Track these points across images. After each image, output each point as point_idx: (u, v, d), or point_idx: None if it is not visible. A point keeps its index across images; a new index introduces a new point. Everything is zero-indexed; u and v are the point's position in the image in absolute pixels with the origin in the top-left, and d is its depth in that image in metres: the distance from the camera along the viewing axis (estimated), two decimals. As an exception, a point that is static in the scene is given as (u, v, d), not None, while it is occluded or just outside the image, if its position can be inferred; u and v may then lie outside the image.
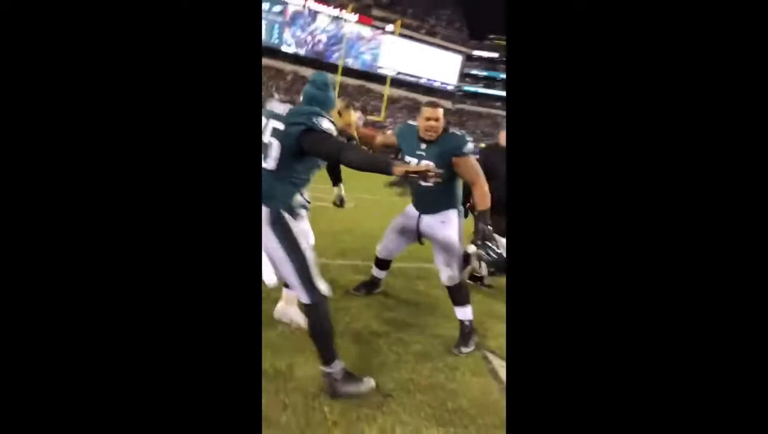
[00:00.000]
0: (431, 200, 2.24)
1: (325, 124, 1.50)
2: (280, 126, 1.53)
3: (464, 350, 2.15)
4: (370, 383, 1.67)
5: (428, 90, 39.67)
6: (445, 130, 2.16)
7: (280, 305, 2.16)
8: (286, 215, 1.53)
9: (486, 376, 1.99)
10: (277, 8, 36.02)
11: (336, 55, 35.36)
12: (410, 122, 2.29)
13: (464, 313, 2.21)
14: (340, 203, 2.57)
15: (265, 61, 36.15)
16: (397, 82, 36.72)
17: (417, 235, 2.33)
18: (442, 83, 41.44)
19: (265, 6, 35.89)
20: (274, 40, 36.53)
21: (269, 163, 1.53)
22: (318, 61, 36.40)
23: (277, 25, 36.45)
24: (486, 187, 2.06)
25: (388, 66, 36.83)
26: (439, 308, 2.72)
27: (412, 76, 39.43)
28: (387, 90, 29.22)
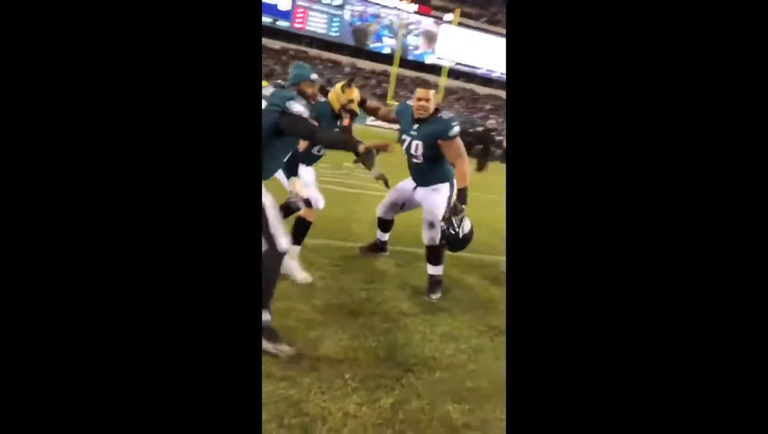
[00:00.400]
0: (425, 175, 2.58)
1: (296, 108, 1.72)
2: (264, 105, 1.74)
3: (433, 296, 2.53)
4: (285, 349, 1.75)
5: (486, 81, 38.51)
6: (437, 110, 2.44)
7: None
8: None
9: (510, 361, 1.99)
10: (338, 2, 36.69)
11: (389, 46, 35.40)
12: (409, 102, 2.54)
13: (435, 270, 2.59)
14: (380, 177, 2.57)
15: (325, 54, 37.07)
16: (454, 73, 36.03)
17: (411, 203, 2.72)
18: (502, 73, 40.01)
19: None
20: (333, 33, 37.29)
21: None
22: (376, 54, 36.64)
23: (336, 18, 37.16)
24: (466, 167, 2.38)
25: (444, 56, 36.23)
26: (475, 296, 2.74)
27: (469, 66, 38.48)
28: (444, 81, 28.83)
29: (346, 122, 2.43)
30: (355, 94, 2.42)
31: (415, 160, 2.53)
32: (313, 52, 37.50)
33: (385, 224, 2.99)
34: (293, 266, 2.44)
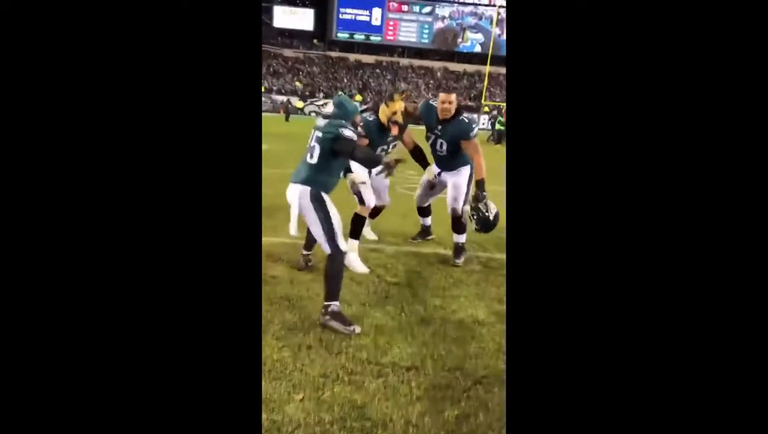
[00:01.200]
0: (449, 163, 3.08)
1: (347, 133, 2.19)
2: (320, 135, 2.24)
3: (458, 261, 3.07)
4: (354, 329, 2.07)
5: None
6: (458, 112, 2.90)
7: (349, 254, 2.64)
8: (323, 195, 2.21)
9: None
10: (426, 9, 37.01)
11: (477, 42, 34.42)
12: (431, 101, 2.99)
13: (459, 238, 3.12)
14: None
15: (417, 61, 37.56)
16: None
17: (440, 185, 3.20)
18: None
19: (415, 9, 37.32)
20: (424, 41, 37.65)
21: (313, 159, 2.25)
22: (473, 54, 36.02)
23: (426, 26, 37.49)
24: (482, 161, 2.82)
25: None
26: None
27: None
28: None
29: (394, 131, 2.77)
30: (398, 106, 2.72)
31: (439, 153, 3.04)
32: (405, 61, 38.30)
33: (423, 211, 3.52)
34: (353, 259, 2.80)
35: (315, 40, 42.77)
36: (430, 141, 3.03)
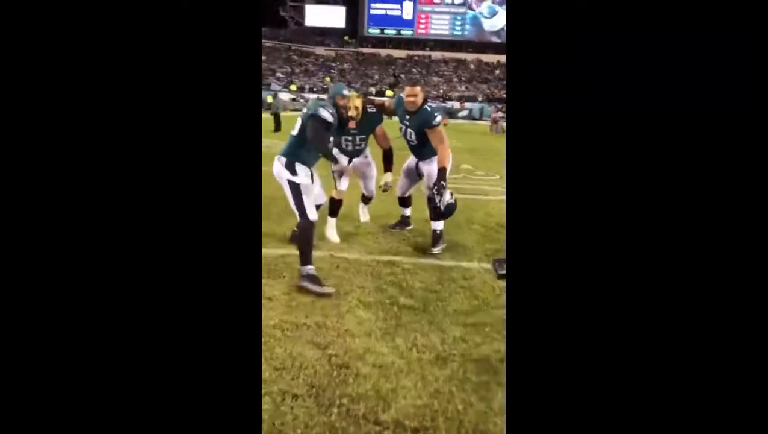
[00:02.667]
0: (422, 151, 3.24)
1: (322, 112, 2.46)
2: (305, 110, 2.58)
3: (435, 250, 3.16)
4: (328, 289, 2.35)
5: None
6: (425, 102, 3.09)
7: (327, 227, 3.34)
8: (297, 165, 2.49)
9: None
10: (459, 0, 36.04)
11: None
12: (401, 95, 3.15)
13: (437, 225, 3.21)
14: (384, 187, 3.29)
15: (450, 54, 36.70)
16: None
17: (417, 174, 3.37)
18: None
19: (447, 0, 36.45)
20: (456, 32, 36.71)
21: (294, 132, 2.55)
22: (498, 45, 34.81)
23: (459, 18, 36.53)
24: (447, 151, 3.03)
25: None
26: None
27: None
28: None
29: (351, 124, 3.01)
30: (355, 102, 2.96)
31: (411, 143, 3.24)
32: (437, 54, 37.52)
33: (404, 201, 3.67)
34: (328, 230, 3.37)
35: (346, 37, 42.82)
36: (402, 131, 3.24)
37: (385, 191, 3.30)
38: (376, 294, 2.42)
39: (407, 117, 3.14)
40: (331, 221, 3.42)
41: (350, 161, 3.29)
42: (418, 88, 3.07)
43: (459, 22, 36.50)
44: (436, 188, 2.94)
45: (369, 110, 3.13)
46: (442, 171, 2.95)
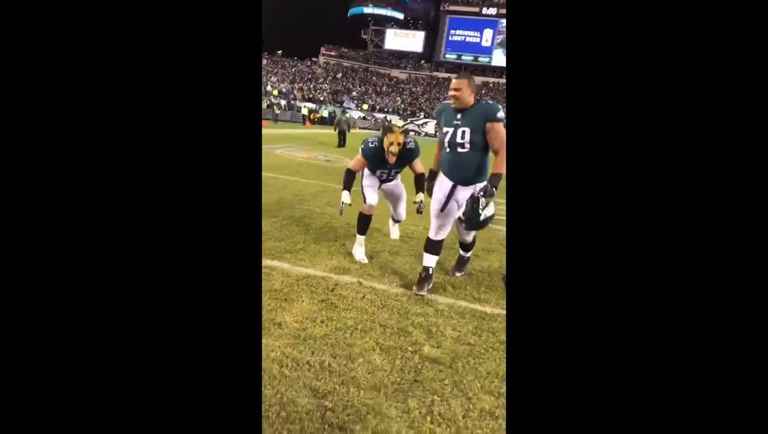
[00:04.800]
0: (470, 171, 2.59)
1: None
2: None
3: (458, 275, 3.05)
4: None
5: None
6: (478, 101, 2.55)
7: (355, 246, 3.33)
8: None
9: None
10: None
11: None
12: (445, 101, 2.71)
13: (466, 249, 3.05)
14: (419, 208, 3.11)
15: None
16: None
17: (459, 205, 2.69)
18: None
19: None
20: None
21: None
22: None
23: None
24: (504, 156, 2.40)
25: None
26: None
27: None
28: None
29: (391, 159, 3.00)
30: (396, 138, 2.96)
31: (461, 149, 2.54)
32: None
33: (437, 248, 2.81)
34: (358, 254, 3.22)
35: (422, 61, 43.55)
36: (448, 136, 2.58)
37: (419, 211, 3.08)
38: (398, 338, 2.09)
39: (457, 117, 2.54)
40: (360, 239, 3.23)
41: (380, 186, 3.28)
42: (464, 81, 2.50)
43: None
44: (483, 192, 2.39)
45: (408, 145, 3.02)
46: (495, 177, 2.37)
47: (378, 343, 2.01)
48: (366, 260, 3.14)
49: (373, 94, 37.99)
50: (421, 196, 3.10)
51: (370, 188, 3.19)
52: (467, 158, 2.53)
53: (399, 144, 2.94)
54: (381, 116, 32.34)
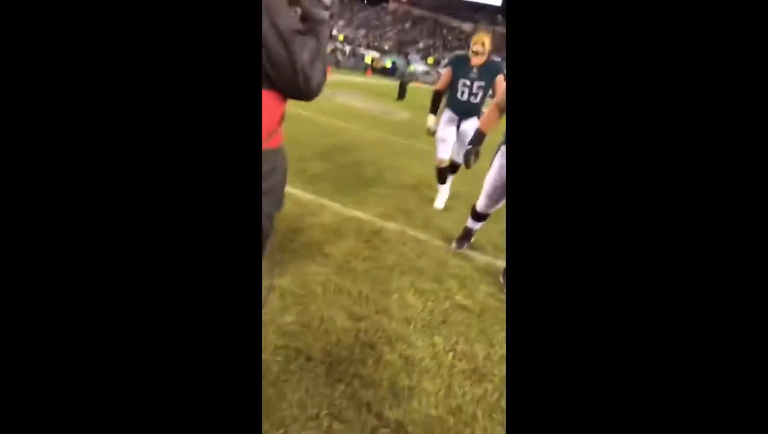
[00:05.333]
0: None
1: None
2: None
3: (455, 248, 2.73)
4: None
5: None
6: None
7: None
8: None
9: None
10: None
11: None
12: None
13: (474, 225, 2.72)
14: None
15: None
16: None
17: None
18: None
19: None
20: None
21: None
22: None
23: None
24: (497, 113, 2.31)
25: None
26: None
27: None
28: None
29: (474, 60, 3.07)
30: (483, 38, 3.06)
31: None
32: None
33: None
34: (438, 200, 3.57)
35: (499, 15, 40.67)
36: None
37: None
38: (433, 283, 2.23)
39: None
40: (440, 188, 3.55)
41: (459, 125, 3.22)
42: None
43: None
44: (473, 142, 2.32)
45: (494, 58, 3.14)
46: (480, 134, 2.30)
47: (414, 285, 2.16)
48: (441, 207, 3.45)
49: (441, 48, 36.38)
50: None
51: (443, 143, 3.25)
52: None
53: (483, 44, 2.99)
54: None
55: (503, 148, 2.32)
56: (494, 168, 2.37)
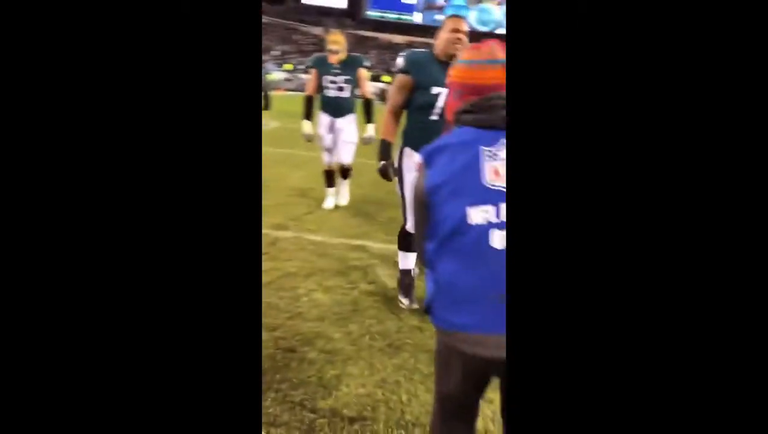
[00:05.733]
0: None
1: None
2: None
3: (404, 302, 2.15)
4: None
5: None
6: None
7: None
8: None
9: None
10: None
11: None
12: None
13: (406, 261, 2.28)
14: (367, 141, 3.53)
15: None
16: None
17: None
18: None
19: (450, -13, 35.89)
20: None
21: None
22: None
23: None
24: (392, 117, 2.11)
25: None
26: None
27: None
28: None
29: (332, 59, 3.38)
30: (336, 37, 3.40)
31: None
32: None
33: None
34: (327, 202, 3.73)
35: (348, 19, 42.04)
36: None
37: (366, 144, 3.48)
38: (338, 278, 2.34)
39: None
40: (329, 191, 3.74)
41: (331, 128, 3.46)
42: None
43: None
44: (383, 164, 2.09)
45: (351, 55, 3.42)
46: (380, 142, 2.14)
47: (320, 284, 2.24)
48: (331, 206, 3.64)
49: (297, 54, 36.25)
50: (371, 129, 3.40)
51: (326, 148, 3.56)
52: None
53: (338, 42, 3.30)
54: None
55: (413, 154, 1.99)
56: (407, 185, 2.05)
